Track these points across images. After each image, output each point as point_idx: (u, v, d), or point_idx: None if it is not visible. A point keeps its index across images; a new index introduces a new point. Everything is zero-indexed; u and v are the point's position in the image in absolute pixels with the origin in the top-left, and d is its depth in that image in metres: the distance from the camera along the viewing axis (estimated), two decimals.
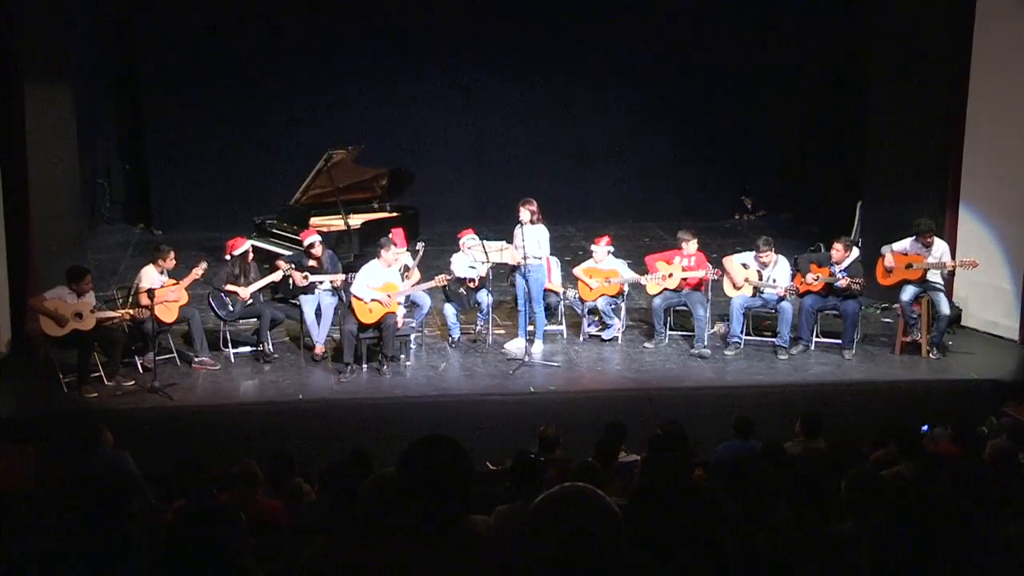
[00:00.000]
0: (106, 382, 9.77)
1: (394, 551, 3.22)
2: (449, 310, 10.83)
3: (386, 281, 10.11)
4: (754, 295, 10.71)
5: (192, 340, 10.26)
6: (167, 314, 10.03)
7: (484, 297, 10.75)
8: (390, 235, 10.84)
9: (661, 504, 3.56)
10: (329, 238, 11.75)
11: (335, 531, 4.61)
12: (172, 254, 10.18)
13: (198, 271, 10.20)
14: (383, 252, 10.16)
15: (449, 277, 10.59)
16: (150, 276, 10.01)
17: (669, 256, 10.92)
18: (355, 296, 10.05)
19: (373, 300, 9.99)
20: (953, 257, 10.67)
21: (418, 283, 10.52)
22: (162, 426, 9.16)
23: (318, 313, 10.47)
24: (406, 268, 10.67)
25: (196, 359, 10.21)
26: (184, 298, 10.14)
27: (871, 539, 3.93)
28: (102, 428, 7.57)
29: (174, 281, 10.08)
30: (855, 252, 10.78)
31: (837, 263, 10.51)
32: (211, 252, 13.11)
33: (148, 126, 15.17)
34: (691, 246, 10.78)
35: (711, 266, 10.75)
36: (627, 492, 4.86)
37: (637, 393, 9.93)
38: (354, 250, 12.02)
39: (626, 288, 11.06)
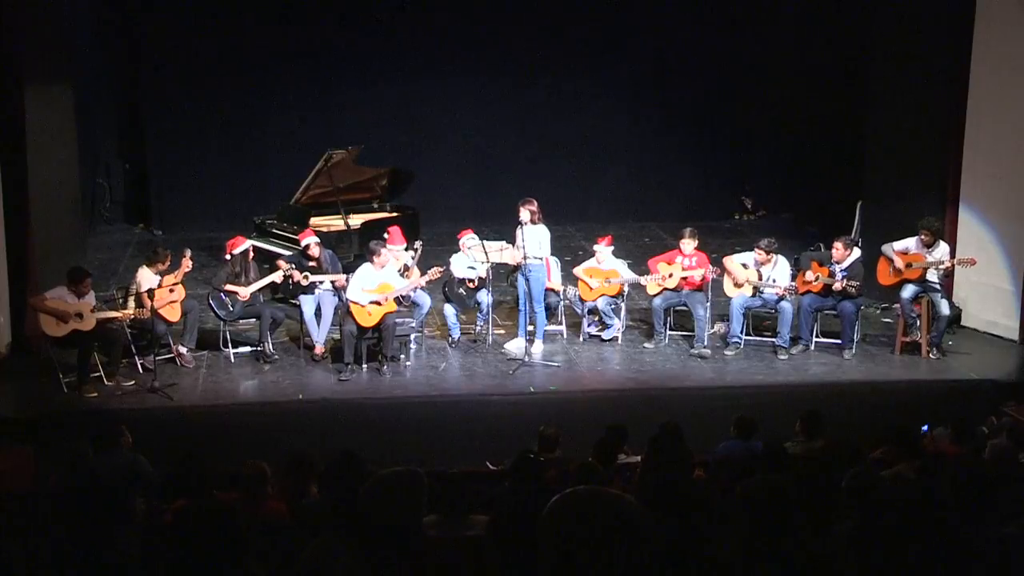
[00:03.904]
0: (106, 382, 9.77)
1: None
2: (449, 310, 10.83)
3: (381, 282, 10.11)
4: (754, 295, 10.71)
5: (183, 330, 10.27)
6: (172, 312, 10.06)
7: (484, 297, 10.74)
8: (386, 236, 10.83)
9: (659, 504, 3.56)
10: (329, 238, 11.76)
11: (335, 531, 4.61)
12: (169, 257, 10.21)
13: (187, 262, 10.24)
14: (374, 257, 10.16)
15: (443, 269, 10.59)
16: (147, 278, 10.03)
17: (670, 257, 10.91)
18: (352, 301, 10.05)
19: (371, 303, 9.98)
20: (952, 257, 10.67)
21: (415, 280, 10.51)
22: (162, 426, 9.15)
23: (318, 313, 10.47)
24: (406, 268, 10.68)
25: (178, 348, 10.22)
26: (182, 293, 10.16)
27: (870, 538, 3.93)
28: (123, 430, 7.58)
29: (173, 277, 10.09)
30: (856, 252, 10.77)
31: (837, 263, 10.51)
32: (211, 252, 13.13)
33: (148, 126, 15.17)
34: (688, 246, 10.76)
35: (711, 265, 10.75)
36: (627, 493, 4.86)
37: (637, 393, 9.93)
38: (354, 250, 12.03)
39: (626, 288, 11.06)
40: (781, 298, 10.53)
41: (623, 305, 11.16)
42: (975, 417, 8.82)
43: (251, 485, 5.98)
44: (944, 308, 10.58)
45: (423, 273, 10.52)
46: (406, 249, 10.89)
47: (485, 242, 10.67)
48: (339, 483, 5.29)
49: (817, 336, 10.83)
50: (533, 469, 5.96)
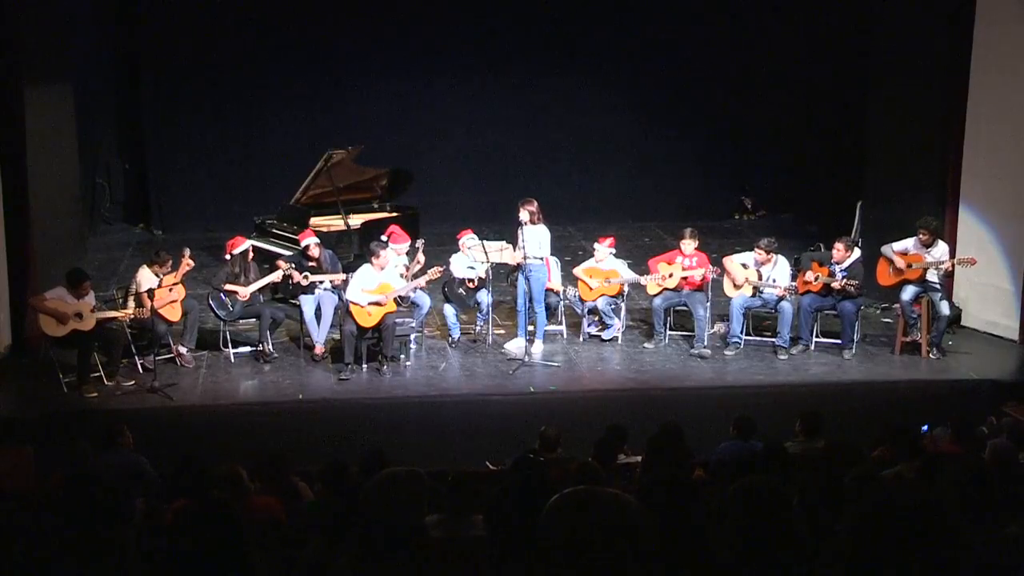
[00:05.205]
0: (106, 382, 9.78)
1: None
2: (449, 310, 10.83)
3: (381, 282, 10.11)
4: (754, 295, 10.71)
5: (183, 330, 10.27)
6: (172, 312, 10.06)
7: (484, 297, 10.75)
8: (387, 237, 10.82)
9: (659, 504, 3.56)
10: (329, 238, 11.76)
11: (335, 531, 4.62)
12: (170, 260, 10.21)
13: (188, 261, 10.26)
14: (374, 259, 10.16)
15: (443, 269, 10.59)
16: (147, 278, 10.03)
17: (671, 257, 10.91)
18: (352, 302, 10.05)
19: (370, 303, 9.99)
20: (952, 257, 10.67)
21: (415, 277, 10.50)
22: (162, 426, 9.16)
23: (318, 313, 10.47)
24: (406, 268, 10.68)
25: (177, 348, 10.22)
26: (182, 293, 10.17)
27: (870, 538, 3.92)
28: (123, 429, 7.58)
29: (173, 277, 10.09)
30: (856, 252, 10.78)
31: (838, 263, 10.51)
32: (211, 252, 13.13)
33: (148, 126, 15.16)
34: (688, 246, 10.76)
35: (711, 265, 10.75)
36: (627, 493, 4.85)
37: (637, 393, 9.93)
38: (354, 250, 12.03)
39: (626, 288, 11.06)
40: (781, 298, 10.53)
41: (623, 305, 11.16)
42: (975, 417, 8.81)
43: (229, 487, 5.98)
44: (944, 308, 10.58)
45: (425, 271, 10.53)
46: (409, 247, 10.88)
47: (485, 242, 10.67)
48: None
49: (817, 336, 10.83)
50: (533, 469, 5.96)
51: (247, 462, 6.49)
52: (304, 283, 10.34)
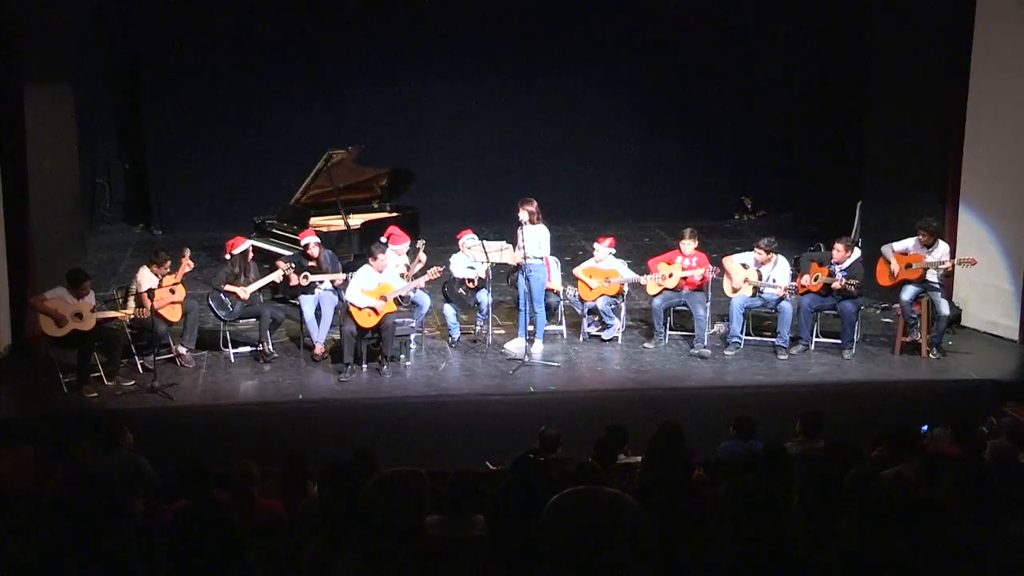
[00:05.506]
0: (106, 382, 9.78)
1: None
2: (449, 310, 10.83)
3: (381, 283, 10.11)
4: (754, 295, 10.72)
5: (183, 330, 10.28)
6: (172, 312, 10.06)
7: (484, 297, 10.75)
8: (387, 239, 10.82)
9: (659, 504, 3.56)
10: (329, 238, 11.76)
11: (335, 531, 4.61)
12: (169, 261, 10.21)
13: (188, 261, 10.26)
14: (371, 261, 10.16)
15: (442, 269, 10.59)
16: (147, 278, 10.04)
17: (670, 257, 10.91)
18: (350, 303, 10.06)
19: (367, 306, 9.98)
20: (952, 257, 10.68)
21: (415, 278, 10.50)
22: (162, 426, 9.16)
23: (318, 313, 10.47)
24: (407, 267, 10.68)
25: (177, 348, 10.22)
26: (182, 293, 10.17)
27: (870, 539, 3.93)
28: (123, 429, 7.58)
29: (173, 277, 10.09)
30: (856, 253, 10.78)
31: (838, 263, 10.51)
32: (211, 252, 13.14)
33: (148, 126, 15.17)
34: (688, 246, 10.76)
35: (711, 265, 10.75)
36: (627, 493, 4.85)
37: (637, 393, 9.93)
38: (354, 250, 12.03)
39: (626, 288, 11.06)
40: (781, 298, 10.54)
41: (623, 305, 11.16)
42: (975, 417, 8.82)
43: (239, 485, 5.98)
44: (944, 308, 10.58)
45: (425, 271, 10.53)
46: (410, 248, 10.87)
47: (485, 242, 10.67)
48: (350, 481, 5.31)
49: (817, 336, 10.83)
50: (533, 469, 5.97)
51: (266, 460, 6.49)
52: (304, 283, 10.34)
